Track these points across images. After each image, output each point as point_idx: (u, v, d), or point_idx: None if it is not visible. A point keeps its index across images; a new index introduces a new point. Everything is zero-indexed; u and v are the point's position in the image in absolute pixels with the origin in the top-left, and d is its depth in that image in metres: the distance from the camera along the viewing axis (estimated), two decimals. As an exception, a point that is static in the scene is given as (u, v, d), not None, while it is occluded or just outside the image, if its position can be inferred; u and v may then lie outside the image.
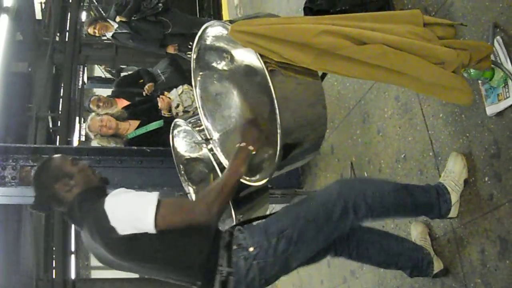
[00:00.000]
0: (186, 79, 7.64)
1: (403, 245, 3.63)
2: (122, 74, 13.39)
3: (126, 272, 3.18)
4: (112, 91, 8.49)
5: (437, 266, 3.63)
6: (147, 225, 2.77)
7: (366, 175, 4.89)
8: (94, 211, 2.90)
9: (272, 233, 2.97)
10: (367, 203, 3.10)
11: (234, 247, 2.96)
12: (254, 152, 2.98)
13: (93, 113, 6.56)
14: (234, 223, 3.75)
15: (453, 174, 3.42)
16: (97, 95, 8.17)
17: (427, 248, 3.70)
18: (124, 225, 2.81)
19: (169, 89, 7.15)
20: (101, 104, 8.03)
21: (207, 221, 2.84)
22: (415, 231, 3.88)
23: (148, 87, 7.93)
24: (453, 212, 3.40)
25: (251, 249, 2.93)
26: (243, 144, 2.98)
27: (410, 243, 3.70)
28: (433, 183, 3.50)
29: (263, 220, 3.18)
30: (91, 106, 8.20)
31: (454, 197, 3.38)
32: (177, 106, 6.49)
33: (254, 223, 3.18)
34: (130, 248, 2.86)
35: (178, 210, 2.85)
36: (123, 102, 8.25)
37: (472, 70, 3.09)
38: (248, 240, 2.97)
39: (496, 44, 3.11)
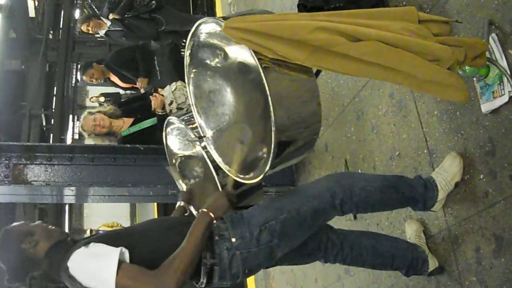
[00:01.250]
0: (183, 76, 7.45)
1: (397, 246, 3.63)
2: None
3: None
4: (106, 62, 8.26)
5: (432, 264, 3.62)
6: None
7: (360, 172, 4.88)
8: (65, 273, 2.84)
9: (255, 225, 3.01)
10: (353, 200, 3.17)
11: (216, 238, 2.97)
12: (214, 221, 2.99)
13: (86, 112, 6.50)
14: None
15: (446, 174, 3.42)
16: (92, 68, 8.08)
17: (422, 246, 3.69)
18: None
19: (163, 86, 7.09)
20: (94, 80, 8.03)
21: None
22: (409, 229, 3.87)
23: (142, 83, 7.83)
24: (436, 207, 3.46)
25: (233, 239, 2.96)
26: (205, 210, 2.99)
27: (404, 243, 3.70)
28: (424, 175, 3.50)
29: (247, 210, 3.20)
30: (84, 78, 8.16)
31: (441, 195, 3.41)
32: (171, 103, 6.45)
33: (237, 212, 3.17)
34: None
35: (139, 284, 2.75)
36: (116, 78, 8.20)
37: (467, 67, 3.08)
38: (230, 231, 2.99)
39: (491, 41, 3.10)
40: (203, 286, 2.99)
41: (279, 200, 3.21)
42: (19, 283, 3.14)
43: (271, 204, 3.16)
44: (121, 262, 2.73)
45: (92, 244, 2.86)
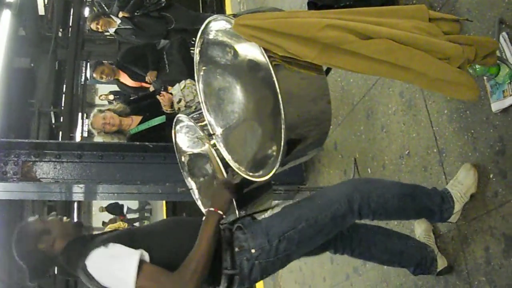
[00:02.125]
0: (192, 72, 7.43)
1: (406, 243, 3.62)
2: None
3: None
4: (117, 61, 8.39)
5: (441, 263, 3.62)
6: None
7: (369, 171, 4.88)
8: (82, 271, 2.86)
9: (274, 235, 3.02)
10: (370, 206, 3.14)
11: (236, 249, 3.01)
12: (224, 216, 3.04)
13: (96, 110, 6.51)
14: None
15: (461, 186, 3.41)
16: (103, 64, 8.17)
17: (431, 245, 3.69)
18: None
19: (172, 83, 7.11)
20: (104, 76, 8.11)
21: None
22: (419, 228, 3.87)
23: (151, 75, 7.89)
24: (453, 218, 3.42)
25: (253, 251, 2.99)
26: (212, 209, 3.02)
27: (414, 241, 3.69)
28: (439, 187, 3.49)
29: (265, 218, 3.22)
30: (94, 75, 8.23)
31: (458, 207, 3.38)
32: (179, 101, 6.45)
33: (256, 221, 3.21)
34: None
35: (156, 283, 2.79)
36: (125, 77, 8.27)
37: (477, 66, 3.07)
38: (250, 242, 3.02)
39: (501, 40, 3.10)
40: None
41: (298, 208, 3.19)
42: (40, 279, 3.18)
43: (290, 213, 3.15)
44: (142, 262, 2.77)
45: (111, 245, 2.87)
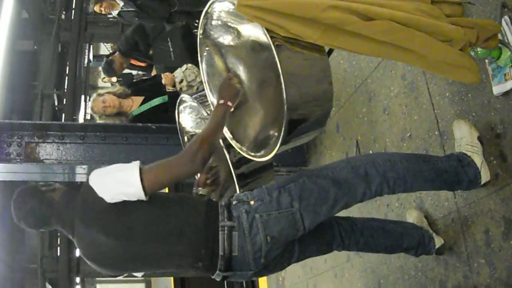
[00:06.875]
0: (195, 58, 7.52)
1: (402, 225, 3.70)
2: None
3: (123, 272, 3.24)
4: (119, 49, 8.52)
5: (438, 241, 3.65)
6: (137, 189, 2.83)
7: (371, 153, 4.90)
8: (80, 196, 2.95)
9: (273, 188, 3.00)
10: (379, 171, 3.06)
11: (234, 202, 3.00)
12: (232, 109, 3.05)
13: (95, 94, 6.50)
14: None
15: (464, 139, 3.34)
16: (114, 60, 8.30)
17: (425, 226, 3.74)
18: (112, 193, 2.86)
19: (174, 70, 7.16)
20: (125, 66, 8.53)
21: (193, 171, 2.93)
22: (410, 218, 3.94)
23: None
24: (485, 175, 3.24)
25: (252, 202, 2.95)
26: (221, 101, 3.01)
27: (408, 223, 3.78)
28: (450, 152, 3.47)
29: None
30: (116, 69, 8.39)
31: (477, 159, 3.25)
32: (181, 81, 6.47)
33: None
34: (121, 216, 2.89)
35: (163, 169, 2.93)
36: (134, 61, 8.45)
37: (479, 49, 3.07)
38: (248, 195, 3.01)
39: (503, 23, 3.10)
40: (222, 269, 2.94)
41: (296, 173, 3.20)
42: (43, 228, 3.21)
43: (287, 177, 3.15)
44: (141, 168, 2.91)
45: None
